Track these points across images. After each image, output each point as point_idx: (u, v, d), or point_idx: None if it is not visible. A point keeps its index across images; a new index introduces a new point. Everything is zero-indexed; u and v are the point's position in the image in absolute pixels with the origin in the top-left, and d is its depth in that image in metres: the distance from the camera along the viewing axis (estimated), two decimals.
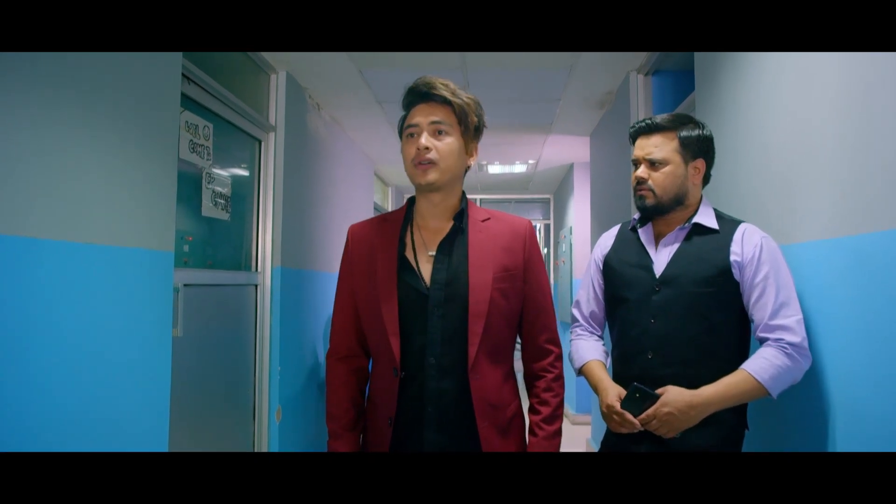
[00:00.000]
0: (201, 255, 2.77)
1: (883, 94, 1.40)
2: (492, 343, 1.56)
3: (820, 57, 1.65)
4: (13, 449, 1.46)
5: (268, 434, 3.30)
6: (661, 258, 1.76)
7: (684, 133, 1.74)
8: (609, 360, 1.90)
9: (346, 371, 1.67)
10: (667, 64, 3.34)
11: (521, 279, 1.62)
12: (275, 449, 3.31)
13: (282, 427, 3.36)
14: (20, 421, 1.50)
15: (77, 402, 1.68)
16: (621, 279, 1.81)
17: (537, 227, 8.80)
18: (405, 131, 1.59)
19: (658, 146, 1.75)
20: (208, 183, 2.78)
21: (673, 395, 1.59)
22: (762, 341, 1.63)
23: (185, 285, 2.48)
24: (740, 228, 1.71)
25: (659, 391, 1.61)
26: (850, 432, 1.52)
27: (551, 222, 8.05)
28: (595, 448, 4.49)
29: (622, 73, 3.66)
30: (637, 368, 1.73)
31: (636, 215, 1.86)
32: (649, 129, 1.78)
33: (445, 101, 1.56)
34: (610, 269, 1.86)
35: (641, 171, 1.77)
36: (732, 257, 1.67)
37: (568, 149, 5.66)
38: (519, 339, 1.74)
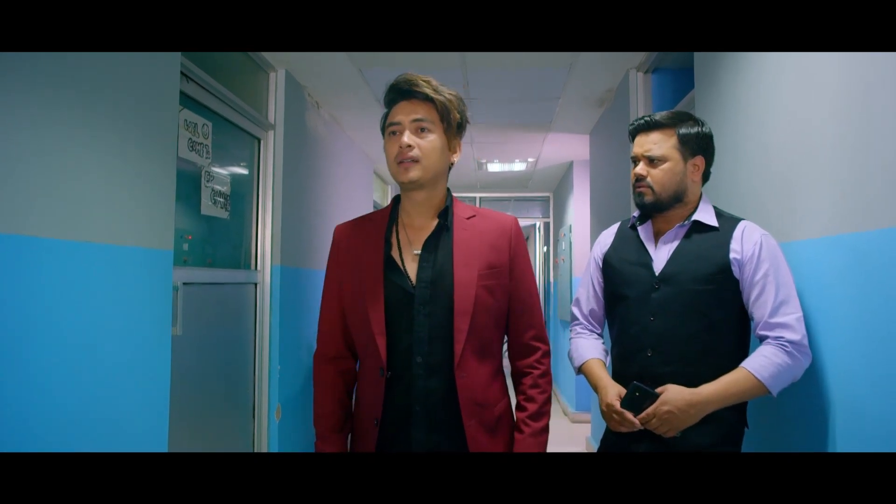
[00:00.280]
0: (201, 253, 2.77)
1: (882, 94, 1.40)
2: (478, 340, 1.56)
3: (820, 56, 1.65)
4: (12, 449, 1.46)
5: (267, 432, 3.30)
6: (660, 256, 1.76)
7: (683, 130, 1.74)
8: (609, 358, 1.90)
9: (333, 372, 1.67)
10: (666, 62, 3.34)
11: (506, 276, 1.61)
12: (274, 447, 3.31)
13: (281, 425, 3.36)
14: (20, 420, 1.50)
15: (76, 401, 1.68)
16: (621, 277, 1.81)
17: (537, 226, 8.80)
18: (387, 129, 1.59)
19: (657, 143, 1.75)
20: (207, 181, 2.78)
21: (672, 394, 1.59)
22: (762, 339, 1.63)
23: (184, 284, 2.48)
24: (740, 226, 1.71)
25: (659, 390, 1.61)
26: (849, 430, 1.52)
27: (551, 220, 8.05)
28: (595, 446, 4.50)
29: (622, 71, 3.66)
30: (636, 366, 1.73)
31: (636, 213, 1.86)
32: (648, 127, 1.78)
33: (427, 99, 1.55)
34: (609, 267, 1.86)
35: (640, 168, 1.77)
36: (732, 255, 1.67)
37: (567, 147, 5.66)
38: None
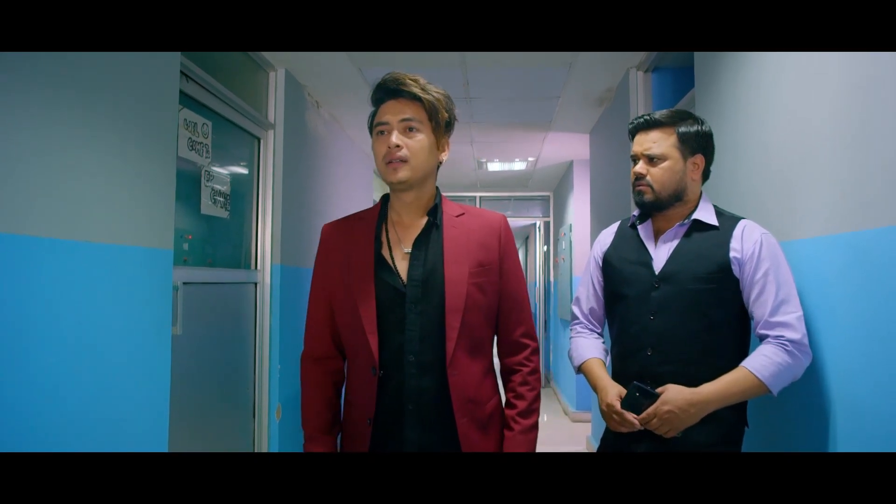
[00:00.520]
0: (201, 253, 2.77)
1: (882, 93, 1.40)
2: (470, 338, 1.56)
3: (820, 55, 1.65)
4: (13, 449, 1.46)
5: (268, 432, 3.30)
6: (660, 255, 1.75)
7: (683, 129, 1.74)
8: (609, 357, 1.90)
9: (321, 373, 1.66)
10: (666, 61, 3.34)
11: (496, 273, 1.61)
12: (275, 447, 3.31)
13: (282, 425, 3.36)
14: (20, 420, 1.50)
15: (76, 401, 1.68)
16: (620, 276, 1.81)
17: (537, 225, 8.80)
18: (375, 129, 1.58)
19: (656, 142, 1.74)
20: (207, 181, 2.78)
21: (673, 394, 1.59)
22: (762, 338, 1.63)
23: (184, 283, 2.48)
24: (740, 225, 1.71)
25: (659, 390, 1.61)
26: (849, 429, 1.52)
27: (551, 220, 8.05)
28: (595, 446, 4.50)
29: (622, 70, 3.66)
30: (636, 365, 1.73)
31: (635, 212, 1.86)
32: (648, 125, 1.77)
33: (415, 98, 1.54)
34: (609, 266, 1.86)
35: (640, 166, 1.77)
36: (732, 254, 1.67)
37: (567, 146, 5.66)
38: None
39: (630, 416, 1.62)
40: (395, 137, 1.52)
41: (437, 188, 1.66)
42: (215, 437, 2.84)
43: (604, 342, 1.93)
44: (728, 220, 1.73)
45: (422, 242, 1.58)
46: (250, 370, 3.25)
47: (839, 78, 1.57)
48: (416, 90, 1.53)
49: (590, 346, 1.89)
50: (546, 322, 8.56)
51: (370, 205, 5.93)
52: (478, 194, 8.07)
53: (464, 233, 1.60)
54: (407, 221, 1.62)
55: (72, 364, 1.67)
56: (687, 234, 1.74)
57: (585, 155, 5.58)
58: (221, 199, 2.92)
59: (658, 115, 1.77)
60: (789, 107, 1.83)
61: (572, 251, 6.17)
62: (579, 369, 1.89)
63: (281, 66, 3.51)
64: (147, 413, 2.01)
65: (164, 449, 2.10)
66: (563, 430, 5.94)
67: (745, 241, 1.66)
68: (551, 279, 7.89)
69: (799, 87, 1.77)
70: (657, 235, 1.79)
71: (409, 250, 1.58)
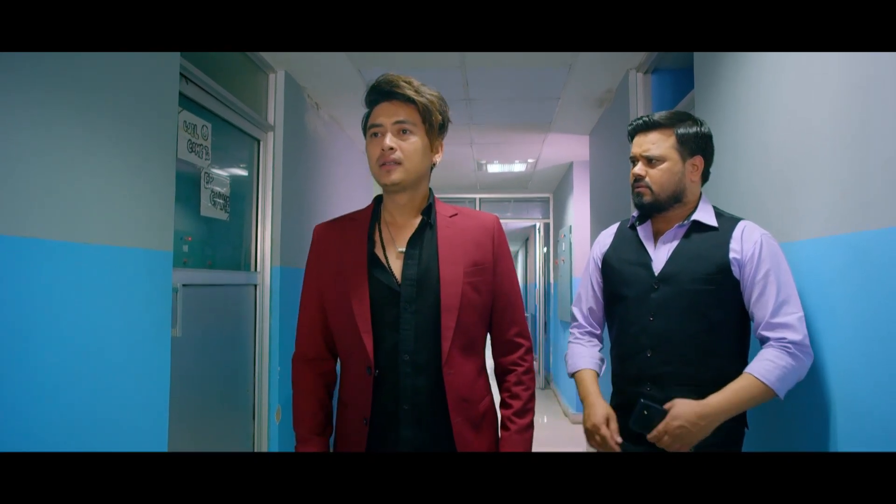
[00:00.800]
0: (200, 255, 2.77)
1: (882, 93, 1.40)
2: (464, 337, 1.56)
3: (820, 56, 1.65)
4: (12, 449, 1.46)
5: (267, 434, 3.29)
6: (659, 256, 1.75)
7: (682, 130, 1.74)
8: (604, 366, 1.91)
9: (313, 374, 1.66)
10: (666, 62, 3.34)
11: (490, 273, 1.62)
12: (274, 449, 3.31)
13: (282, 427, 3.36)
14: (20, 420, 1.50)
15: (76, 402, 1.68)
16: (620, 277, 1.81)
17: (537, 227, 8.80)
18: (369, 131, 1.58)
19: (655, 143, 1.74)
20: (207, 183, 2.78)
21: (681, 408, 1.56)
22: (763, 340, 1.63)
23: (183, 285, 2.48)
24: (740, 226, 1.71)
25: (666, 406, 1.58)
26: (850, 430, 1.52)
27: (551, 221, 8.05)
28: None
29: (621, 71, 3.66)
30: (636, 367, 1.73)
31: (635, 213, 1.86)
32: (647, 127, 1.77)
33: (409, 100, 1.55)
34: (608, 267, 1.86)
35: (639, 168, 1.77)
36: (732, 254, 1.67)
37: (567, 147, 5.67)
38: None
39: (613, 441, 1.63)
40: (389, 140, 1.53)
41: (430, 189, 1.66)
42: (215, 440, 2.83)
43: (601, 349, 1.93)
44: (727, 221, 1.73)
45: (416, 242, 1.58)
46: (250, 372, 3.24)
47: (839, 78, 1.57)
48: (410, 92, 1.54)
49: (585, 356, 1.89)
50: (546, 324, 8.55)
51: None
52: (477, 196, 8.07)
53: (458, 233, 1.60)
54: (400, 221, 1.62)
55: (71, 366, 1.66)
56: (686, 235, 1.74)
57: (585, 156, 5.58)
58: (221, 201, 2.92)
59: (657, 116, 1.77)
60: (789, 107, 1.83)
61: (572, 253, 6.17)
62: (572, 376, 1.90)
63: (280, 68, 3.51)
64: (147, 415, 2.01)
65: (164, 450, 2.10)
66: (563, 431, 5.93)
67: (745, 242, 1.66)
68: (551, 281, 7.88)
69: (799, 87, 1.77)
70: (656, 236, 1.79)
71: (403, 249, 1.58)
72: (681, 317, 1.67)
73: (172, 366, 2.17)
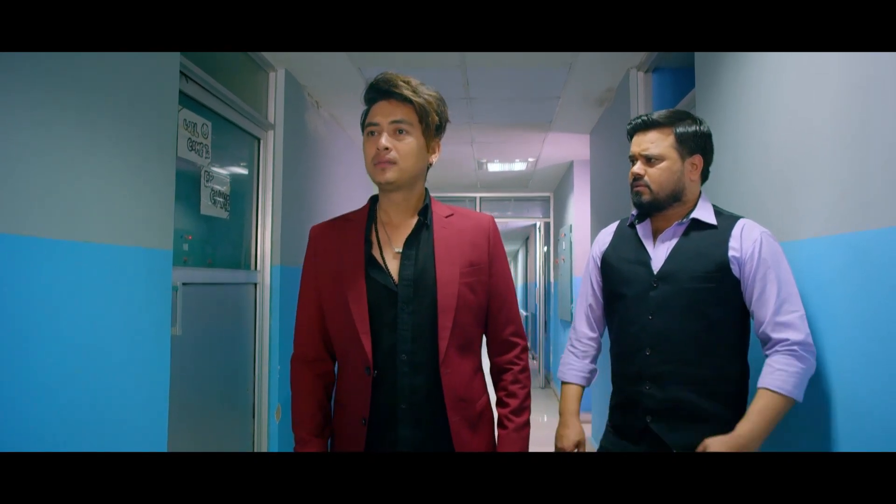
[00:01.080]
0: (200, 253, 2.77)
1: (883, 93, 1.40)
2: (461, 337, 1.56)
3: (820, 56, 1.65)
4: (12, 448, 1.46)
5: (267, 433, 3.30)
6: (658, 254, 1.75)
7: (681, 129, 1.74)
8: (595, 376, 1.96)
9: (311, 375, 1.66)
10: (667, 61, 3.34)
11: (486, 273, 1.62)
12: (274, 448, 3.31)
13: (282, 426, 3.36)
14: (19, 420, 1.50)
15: (75, 401, 1.68)
16: (619, 276, 1.81)
17: (537, 226, 8.80)
18: (366, 129, 1.58)
19: (654, 142, 1.74)
20: (207, 181, 2.78)
21: (715, 446, 1.55)
22: (765, 339, 1.63)
23: (183, 284, 2.48)
24: (739, 224, 1.70)
25: (699, 449, 1.56)
26: (850, 430, 1.52)
27: (551, 220, 8.05)
28: (595, 446, 4.49)
29: (622, 70, 3.66)
30: (635, 366, 1.73)
31: (634, 211, 1.85)
32: (646, 126, 1.77)
33: (406, 100, 1.55)
34: (608, 266, 1.86)
35: (637, 167, 1.76)
36: (731, 253, 1.66)
37: (567, 147, 5.66)
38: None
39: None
40: (385, 139, 1.53)
41: (426, 189, 1.67)
42: (215, 438, 2.84)
43: (594, 358, 1.96)
44: (727, 220, 1.73)
45: (412, 242, 1.59)
46: (250, 371, 3.24)
47: (840, 78, 1.56)
48: (408, 92, 1.54)
49: (575, 367, 1.95)
50: (546, 323, 8.55)
51: None
52: (478, 195, 8.06)
53: (454, 233, 1.61)
54: (396, 222, 1.62)
55: (71, 364, 1.66)
56: (685, 234, 1.74)
57: (586, 155, 5.58)
58: (221, 200, 2.92)
59: (656, 115, 1.77)
60: (790, 107, 1.82)
61: (572, 252, 6.17)
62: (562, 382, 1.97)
63: (281, 67, 3.51)
64: (146, 414, 2.01)
65: (164, 449, 2.10)
66: None
67: (745, 241, 1.66)
68: (551, 280, 7.88)
69: (799, 87, 1.77)
70: (656, 235, 1.79)
71: (400, 250, 1.58)
72: (680, 315, 1.67)
73: (172, 364, 2.17)
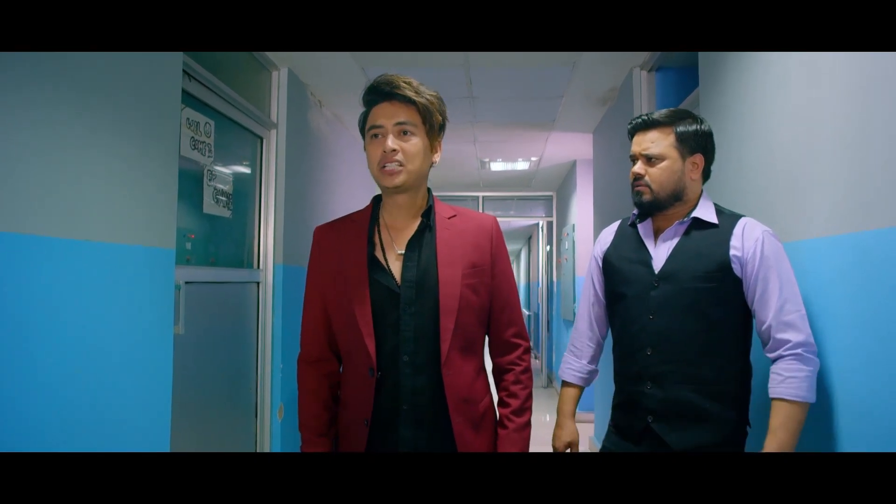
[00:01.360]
0: (203, 252, 2.77)
1: (883, 93, 1.39)
2: (463, 338, 1.56)
3: (825, 55, 1.64)
4: (13, 448, 1.46)
5: (270, 432, 3.30)
6: (660, 254, 1.74)
7: (681, 128, 1.73)
8: (595, 377, 1.98)
9: (317, 376, 1.66)
10: (670, 60, 3.33)
11: (489, 275, 1.62)
12: (277, 447, 3.31)
13: (284, 425, 3.36)
14: (20, 419, 1.50)
15: (77, 401, 1.68)
16: (620, 275, 1.81)
17: (540, 225, 8.79)
18: (368, 132, 1.58)
19: (654, 142, 1.74)
20: (210, 180, 2.78)
21: None
22: (766, 339, 1.62)
23: (186, 283, 2.48)
24: (740, 223, 1.69)
25: None
26: (849, 429, 1.52)
27: (554, 220, 8.04)
28: (598, 446, 4.50)
29: (625, 69, 3.65)
30: (637, 365, 1.72)
31: (636, 210, 1.85)
32: (646, 125, 1.77)
33: (409, 101, 1.54)
34: (609, 266, 1.86)
35: (638, 166, 1.76)
36: (732, 252, 1.65)
37: (570, 146, 5.66)
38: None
39: None
40: (391, 142, 1.52)
41: (429, 189, 1.66)
42: (217, 437, 2.84)
43: (593, 359, 1.97)
44: (728, 219, 1.72)
45: (415, 244, 1.59)
46: (252, 370, 3.25)
47: (842, 78, 1.56)
48: (410, 93, 1.53)
49: (574, 370, 1.96)
50: (549, 322, 8.55)
51: None
52: (480, 194, 8.06)
53: (456, 234, 1.60)
54: (400, 223, 1.62)
55: (73, 363, 1.67)
56: (687, 233, 1.73)
57: (589, 154, 5.57)
58: (224, 199, 2.92)
59: (656, 114, 1.76)
60: (793, 106, 1.82)
61: (575, 251, 6.16)
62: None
63: (284, 66, 3.51)
64: (149, 413, 2.01)
65: (166, 449, 2.10)
66: None
67: (746, 240, 1.65)
68: (554, 279, 7.88)
69: (803, 86, 1.76)
70: (657, 234, 1.78)
71: (403, 252, 1.58)
72: (681, 315, 1.67)
73: (175, 363, 2.17)
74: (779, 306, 1.59)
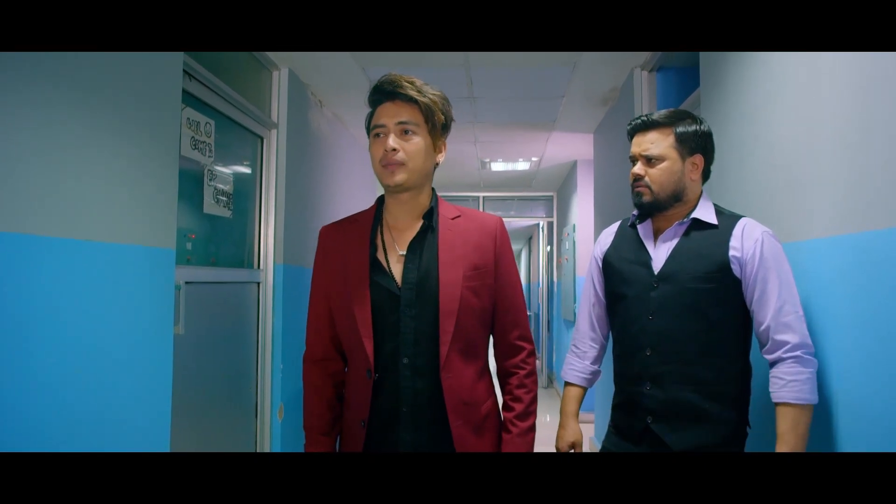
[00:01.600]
0: (203, 252, 2.77)
1: (884, 94, 1.39)
2: (463, 341, 1.56)
3: (826, 55, 1.64)
4: (13, 448, 1.46)
5: (270, 432, 3.30)
6: (659, 254, 1.74)
7: (681, 129, 1.73)
8: (598, 377, 1.98)
9: (321, 375, 1.67)
10: (671, 60, 3.33)
11: (492, 276, 1.61)
12: (277, 447, 3.31)
13: (284, 425, 3.36)
14: (20, 419, 1.50)
15: (77, 401, 1.68)
16: (620, 276, 1.80)
17: (540, 225, 8.78)
18: (372, 131, 1.58)
19: (654, 142, 1.73)
20: (210, 180, 2.78)
21: None
22: (764, 340, 1.62)
23: (186, 283, 2.48)
24: (740, 223, 1.69)
25: None
26: (849, 429, 1.52)
27: (554, 220, 8.04)
28: (598, 446, 4.49)
29: (626, 69, 3.65)
30: (636, 366, 1.72)
31: (636, 211, 1.85)
32: (646, 126, 1.76)
33: (411, 100, 1.54)
34: (609, 266, 1.86)
35: (638, 167, 1.76)
36: (731, 252, 1.65)
37: (571, 146, 5.65)
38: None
39: None
40: (392, 140, 1.52)
41: (433, 190, 1.66)
42: (217, 437, 2.84)
43: (595, 359, 1.97)
44: (728, 219, 1.72)
45: (416, 245, 1.58)
46: (253, 370, 3.25)
47: (843, 78, 1.56)
48: (412, 93, 1.53)
49: (576, 370, 1.97)
50: (549, 322, 8.54)
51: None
52: (481, 194, 8.06)
53: (459, 235, 1.60)
54: (402, 224, 1.62)
55: (73, 363, 1.67)
56: (686, 234, 1.73)
57: (589, 155, 5.57)
58: (224, 199, 2.92)
59: (656, 115, 1.76)
60: (794, 107, 1.82)
61: (576, 251, 6.16)
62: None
63: (284, 66, 3.51)
64: (149, 413, 2.01)
65: (166, 449, 2.10)
66: None
67: (746, 240, 1.65)
68: (554, 279, 7.88)
69: (804, 87, 1.76)
70: (657, 235, 1.78)
71: (404, 253, 1.58)
72: (681, 316, 1.67)
73: (175, 364, 2.17)
74: (778, 307, 1.59)
